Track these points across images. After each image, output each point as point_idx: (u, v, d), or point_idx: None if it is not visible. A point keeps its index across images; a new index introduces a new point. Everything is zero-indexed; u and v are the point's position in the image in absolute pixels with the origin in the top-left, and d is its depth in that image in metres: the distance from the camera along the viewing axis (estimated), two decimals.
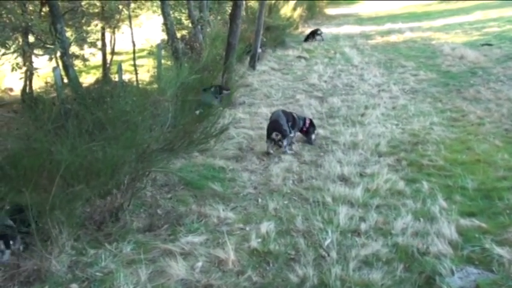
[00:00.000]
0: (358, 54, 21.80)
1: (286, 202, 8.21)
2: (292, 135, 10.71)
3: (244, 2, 29.48)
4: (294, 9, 30.84)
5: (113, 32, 32.03)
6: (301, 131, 11.10)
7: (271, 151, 10.42)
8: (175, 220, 7.58)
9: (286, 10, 29.78)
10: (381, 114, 12.78)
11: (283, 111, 10.99)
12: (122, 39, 26.27)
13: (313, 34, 27.06)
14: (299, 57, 21.89)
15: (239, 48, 18.32)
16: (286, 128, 10.31)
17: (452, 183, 8.48)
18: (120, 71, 14.46)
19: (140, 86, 15.75)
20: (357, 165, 9.54)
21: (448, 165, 9.29)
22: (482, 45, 20.96)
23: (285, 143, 10.30)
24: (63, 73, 13.03)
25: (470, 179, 8.51)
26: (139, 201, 8.16)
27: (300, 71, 19.12)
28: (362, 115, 12.82)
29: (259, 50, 20.55)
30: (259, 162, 10.03)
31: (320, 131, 11.64)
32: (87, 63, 22.52)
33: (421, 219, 7.27)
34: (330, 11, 44.07)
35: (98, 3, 23.02)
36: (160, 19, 28.21)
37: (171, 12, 27.58)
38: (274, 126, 10.35)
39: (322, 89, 15.91)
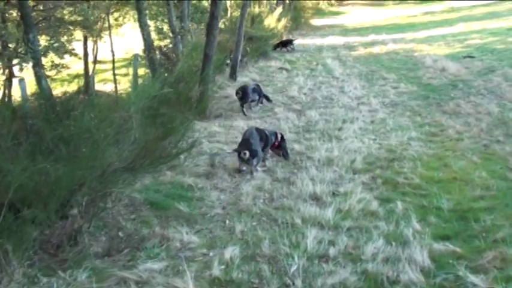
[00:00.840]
0: (340, 66, 21.46)
1: (254, 223, 7.76)
2: (262, 154, 10.27)
3: (229, 12, 29.30)
4: (279, 20, 30.43)
5: (95, 41, 31.67)
6: (272, 146, 10.64)
7: (243, 168, 10.00)
8: (136, 244, 7.12)
9: (270, 21, 29.37)
10: (359, 129, 12.40)
11: (257, 129, 10.55)
12: (107, 48, 25.89)
13: (284, 44, 26.98)
14: (281, 68, 21.51)
15: (217, 59, 17.95)
16: (256, 148, 9.91)
17: (428, 203, 8.09)
18: (92, 81, 14.04)
19: (118, 96, 15.38)
20: (331, 183, 9.12)
21: (424, 183, 8.91)
22: (464, 57, 20.67)
23: (254, 162, 9.87)
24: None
25: (446, 199, 8.14)
26: (100, 222, 7.68)
27: (280, 82, 18.72)
28: (339, 129, 12.44)
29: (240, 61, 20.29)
30: (230, 180, 9.58)
31: (295, 146, 11.25)
32: (69, 72, 22.19)
33: (393, 243, 6.86)
34: (316, 21, 43.71)
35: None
36: None
37: (152, 21, 27.40)
38: (244, 144, 9.97)
39: (301, 102, 15.52)
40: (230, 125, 13.09)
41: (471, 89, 15.49)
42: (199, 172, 9.81)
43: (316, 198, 8.55)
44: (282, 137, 10.83)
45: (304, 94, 16.65)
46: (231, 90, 16.97)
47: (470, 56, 20.66)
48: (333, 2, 57.42)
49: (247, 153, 9.71)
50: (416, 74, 18.56)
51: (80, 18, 22.63)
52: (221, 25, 25.83)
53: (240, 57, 19.52)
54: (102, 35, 29.38)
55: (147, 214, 8.07)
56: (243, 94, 14.61)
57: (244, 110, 14.64)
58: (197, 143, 10.18)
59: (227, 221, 7.89)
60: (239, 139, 11.16)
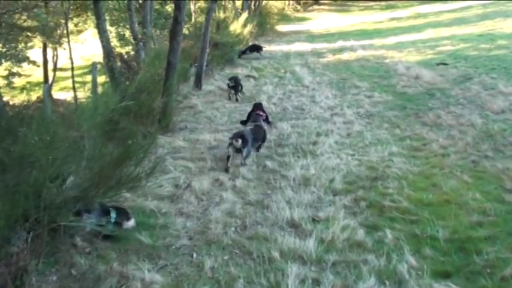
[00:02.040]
0: (309, 74, 20.60)
1: (226, 258, 6.76)
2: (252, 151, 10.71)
3: (193, 17, 28.29)
4: (244, 25, 29.51)
5: (55, 48, 30.36)
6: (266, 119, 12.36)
7: (230, 160, 10.21)
8: (91, 284, 6.06)
9: (236, 26, 28.43)
10: (335, 143, 11.50)
11: (253, 129, 11.17)
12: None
13: (253, 49, 26.19)
14: (248, 76, 20.58)
15: (181, 67, 16.97)
16: (248, 139, 10.36)
17: (420, 232, 7.16)
18: (46, 93, 12.89)
19: (75, 107, 14.28)
20: (309, 207, 8.18)
21: (413, 207, 8.00)
22: (438, 64, 19.96)
23: (244, 153, 10.23)
24: None
25: (441, 226, 7.25)
26: (51, 258, 6.58)
27: (248, 91, 17.76)
28: (314, 143, 11.53)
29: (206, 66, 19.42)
30: (197, 203, 8.55)
31: (268, 163, 10.34)
32: (30, 79, 21.11)
33: (387, 283, 5.95)
34: (281, 27, 42.95)
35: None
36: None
37: (113, 28, 26.29)
38: (238, 134, 10.42)
39: (271, 113, 14.54)
40: (196, 139, 12.07)
41: (449, 98, 14.71)
42: (163, 194, 8.79)
43: (294, 226, 7.59)
44: (267, 117, 12.50)
45: (274, 104, 15.72)
46: (196, 100, 16.10)
47: (443, 63, 19.96)
48: (299, 8, 56.72)
49: (240, 140, 10.14)
50: (390, 82, 17.76)
51: (36, 24, 21.51)
52: (185, 31, 24.83)
53: (205, 65, 18.54)
54: (62, 41, 28.21)
55: (105, 246, 6.98)
56: (236, 83, 16.62)
57: (237, 96, 16.67)
58: (160, 160, 9.20)
59: (195, 255, 6.87)
60: (205, 155, 10.48)
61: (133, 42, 20.27)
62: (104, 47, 15.60)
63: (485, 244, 6.72)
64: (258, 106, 12.69)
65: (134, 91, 12.96)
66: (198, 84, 18.12)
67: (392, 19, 42.51)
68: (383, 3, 57.64)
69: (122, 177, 7.11)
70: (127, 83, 14.78)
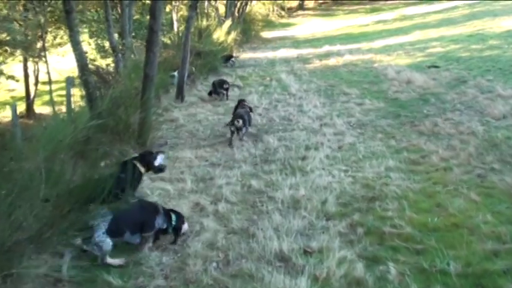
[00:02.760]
0: (296, 81, 19.65)
1: None
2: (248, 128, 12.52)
3: (175, 26, 27.29)
4: (228, 33, 28.58)
5: (36, 62, 29.27)
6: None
7: (233, 136, 12.13)
8: None
9: (219, 34, 27.48)
10: (326, 157, 10.52)
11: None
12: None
13: (225, 60, 25.10)
14: (232, 85, 19.56)
15: (162, 79, 16.05)
16: (246, 119, 12.33)
17: (428, 265, 6.13)
18: (14, 113, 11.84)
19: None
20: (300, 236, 7.17)
21: (417, 232, 6.99)
22: (429, 67, 19.10)
23: (243, 130, 12.26)
24: None
25: (451, 257, 6.24)
26: None
27: (232, 101, 16.72)
28: (303, 158, 10.55)
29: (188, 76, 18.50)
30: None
31: (253, 183, 9.34)
32: (14, 94, 20.11)
33: None
34: (266, 34, 42.08)
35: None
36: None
37: (92, 39, 25.24)
38: (238, 116, 12.24)
39: (256, 125, 13.60)
40: (176, 157, 11.08)
41: (445, 103, 13.79)
42: None
43: (283, 259, 6.57)
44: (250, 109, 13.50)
45: (260, 115, 14.74)
46: (178, 113, 15.16)
47: (435, 66, 19.10)
48: (283, 13, 55.84)
49: (241, 121, 12.04)
50: (381, 88, 16.83)
51: (8, 38, 20.50)
52: (167, 40, 23.85)
53: (186, 75, 17.55)
54: (42, 55, 27.16)
55: None
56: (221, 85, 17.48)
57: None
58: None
59: None
60: (185, 175, 9.76)
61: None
62: (78, 60, 14.56)
63: (504, 279, 5.73)
64: (242, 101, 14.02)
65: (110, 106, 12.00)
66: (179, 95, 17.15)
67: (378, 22, 41.75)
68: (368, 6, 56.97)
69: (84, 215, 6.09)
70: (103, 97, 13.80)
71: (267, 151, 11.32)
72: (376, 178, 9.16)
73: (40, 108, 28.30)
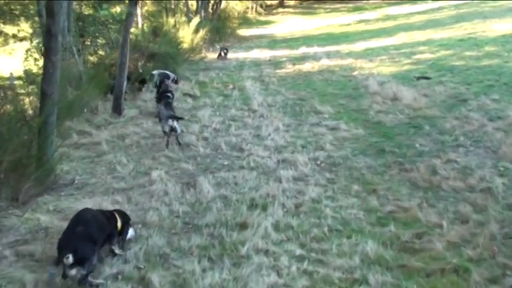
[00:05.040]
0: (261, 91, 15.82)
1: None
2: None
3: (139, 23, 23.32)
4: (196, 31, 24.66)
5: None
6: None
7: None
8: None
9: (185, 33, 23.58)
10: (274, 227, 6.76)
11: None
12: None
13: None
14: (186, 94, 15.75)
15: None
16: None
17: None
18: None
19: None
20: None
21: None
22: (418, 78, 15.30)
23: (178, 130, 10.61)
24: None
25: None
26: None
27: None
28: (241, 227, 6.82)
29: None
30: None
31: (154, 279, 5.56)
32: None
33: None
34: (243, 32, 38.09)
35: None
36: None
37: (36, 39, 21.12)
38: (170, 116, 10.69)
39: (196, 156, 9.90)
40: (72, 209, 7.31)
41: (444, 134, 10.07)
42: None
43: None
44: None
45: (205, 140, 11.02)
46: (105, 134, 11.53)
47: (425, 77, 15.31)
48: (261, 10, 51.79)
49: (175, 122, 10.47)
50: (360, 105, 13.06)
51: None
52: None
53: (125, 83, 13.72)
54: None
55: None
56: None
57: None
58: None
59: None
60: None
61: None
62: None
63: None
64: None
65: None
66: (116, 108, 13.35)
67: (360, 21, 37.87)
68: (350, 5, 52.96)
69: None
70: None
71: (196, 206, 7.66)
72: (346, 283, 5.37)
73: None
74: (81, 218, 5.92)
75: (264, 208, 7.26)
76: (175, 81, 15.87)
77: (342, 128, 11.09)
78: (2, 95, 10.81)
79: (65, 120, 11.07)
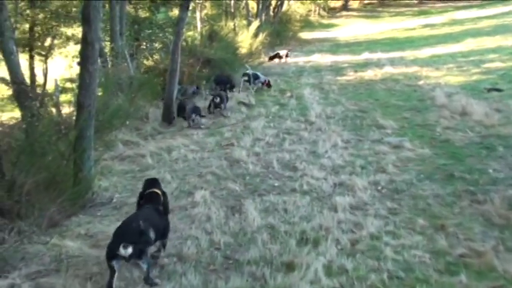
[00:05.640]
0: (320, 100, 14.91)
1: None
2: None
3: (198, 27, 22.69)
4: (255, 35, 23.88)
5: None
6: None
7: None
8: None
9: (245, 37, 22.83)
10: (325, 270, 5.78)
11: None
12: None
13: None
14: (241, 103, 14.94)
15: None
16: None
17: None
18: None
19: None
20: None
21: None
22: (489, 90, 14.06)
23: (222, 106, 13.29)
24: None
25: None
26: None
27: (231, 129, 12.38)
28: (288, 267, 5.87)
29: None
30: None
31: None
32: None
33: None
34: (306, 35, 37.14)
35: None
36: None
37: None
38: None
39: (244, 175, 9.07)
40: (105, 234, 6.61)
41: None
42: None
43: None
44: None
45: (256, 155, 10.17)
46: (152, 145, 11.08)
47: (496, 89, 14.05)
48: (324, 13, 50.61)
49: (219, 98, 12.98)
50: (426, 120, 11.96)
51: None
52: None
53: (190, 90, 13.19)
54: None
55: None
56: (221, 100, 13.61)
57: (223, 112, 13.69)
58: None
59: None
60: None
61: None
62: (11, 75, 10.18)
63: None
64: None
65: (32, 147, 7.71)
66: (166, 117, 12.67)
67: (426, 26, 36.37)
68: (415, 8, 51.20)
69: None
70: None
71: (239, 237, 6.77)
72: None
73: None
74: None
75: (316, 244, 6.32)
76: (268, 84, 16.80)
77: (406, 147, 10.02)
78: (38, 105, 10.13)
79: (110, 130, 10.46)
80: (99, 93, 10.83)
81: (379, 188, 8.12)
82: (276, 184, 8.58)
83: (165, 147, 10.83)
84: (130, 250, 5.04)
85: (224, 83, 15.89)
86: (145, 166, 9.77)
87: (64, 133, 8.48)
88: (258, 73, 16.75)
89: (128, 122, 11.68)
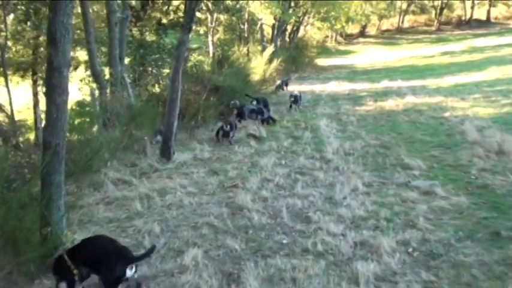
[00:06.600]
0: (338, 134, 13.34)
1: None
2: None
3: (210, 51, 21.25)
4: (270, 61, 22.43)
5: None
6: None
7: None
8: None
9: (258, 63, 21.38)
10: None
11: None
12: None
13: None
14: (251, 135, 13.40)
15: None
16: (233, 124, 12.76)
17: None
18: None
19: None
20: None
21: None
22: None
23: (231, 134, 12.62)
24: None
25: None
26: None
27: (237, 166, 10.76)
28: None
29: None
30: None
31: None
32: None
33: None
34: (322, 61, 35.71)
35: None
36: None
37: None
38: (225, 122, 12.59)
39: (247, 227, 7.48)
40: None
41: None
42: None
43: None
44: None
45: (263, 201, 8.57)
46: (142, 187, 9.44)
47: None
48: (341, 40, 49.18)
49: (229, 126, 12.29)
50: (458, 159, 10.29)
51: None
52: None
53: (175, 124, 11.61)
54: None
55: None
56: (231, 127, 12.86)
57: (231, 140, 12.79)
58: None
59: None
60: None
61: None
62: None
63: None
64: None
65: None
66: (165, 152, 11.15)
67: (445, 53, 34.78)
68: (433, 36, 49.65)
69: None
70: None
71: None
72: None
73: None
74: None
75: None
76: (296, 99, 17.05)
77: (437, 193, 8.35)
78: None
79: (96, 167, 8.98)
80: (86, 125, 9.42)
81: (410, 250, 6.46)
82: (285, 241, 6.98)
83: (159, 189, 9.29)
84: None
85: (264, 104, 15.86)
86: (133, 212, 8.23)
87: (29, 178, 6.95)
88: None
89: (115, 159, 10.19)
